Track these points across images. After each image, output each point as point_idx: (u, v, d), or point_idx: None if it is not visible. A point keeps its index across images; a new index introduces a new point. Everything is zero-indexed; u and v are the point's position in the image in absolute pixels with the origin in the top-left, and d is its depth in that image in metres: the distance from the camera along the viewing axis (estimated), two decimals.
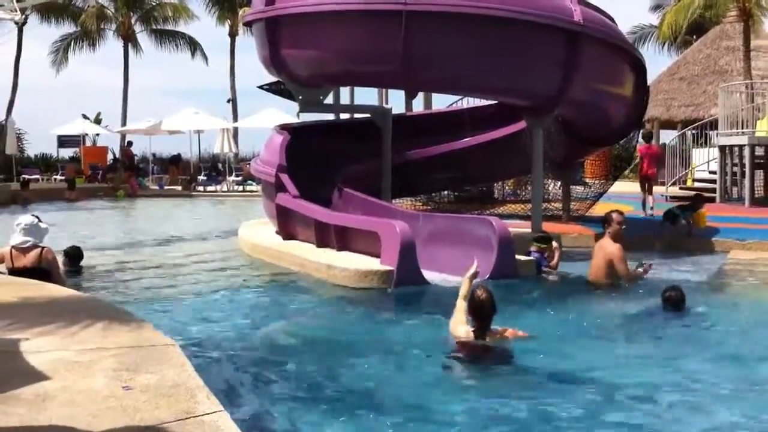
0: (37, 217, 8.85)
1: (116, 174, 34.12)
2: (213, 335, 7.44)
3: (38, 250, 8.45)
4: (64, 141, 42.37)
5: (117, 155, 41.64)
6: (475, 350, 6.50)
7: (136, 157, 40.45)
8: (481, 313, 6.49)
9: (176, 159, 40.88)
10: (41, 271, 8.30)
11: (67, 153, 43.42)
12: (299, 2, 12.11)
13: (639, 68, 14.59)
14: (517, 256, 10.35)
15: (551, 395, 5.64)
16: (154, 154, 44.08)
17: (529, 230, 13.27)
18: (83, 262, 11.44)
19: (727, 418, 5.21)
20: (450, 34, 11.61)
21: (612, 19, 13.78)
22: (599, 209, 16.85)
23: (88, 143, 43.17)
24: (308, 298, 9.60)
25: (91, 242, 14.64)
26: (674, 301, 8.24)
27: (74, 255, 11.27)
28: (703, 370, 6.33)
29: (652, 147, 19.62)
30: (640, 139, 17.82)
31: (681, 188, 23.51)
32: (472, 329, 6.54)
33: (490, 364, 6.39)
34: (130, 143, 39.32)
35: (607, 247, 9.67)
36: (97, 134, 44.20)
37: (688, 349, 7.12)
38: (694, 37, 39.00)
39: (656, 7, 46.96)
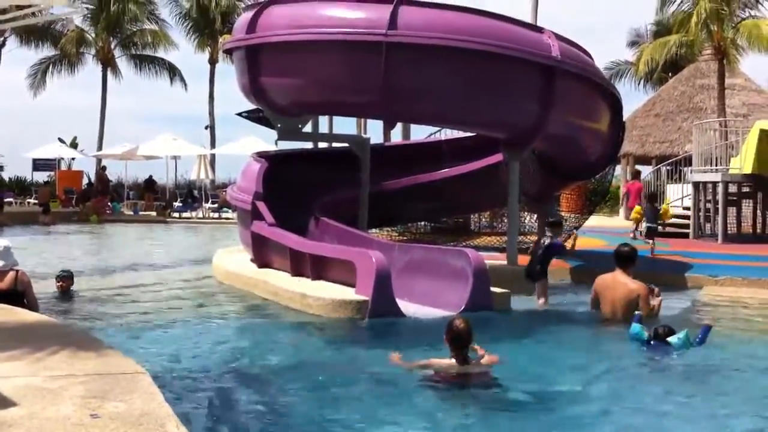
0: None
1: (85, 203, 33.67)
2: (184, 364, 7.35)
3: (13, 273, 8.50)
4: (39, 164, 42.11)
5: (92, 180, 41.39)
6: (452, 377, 6.63)
7: (111, 183, 40.25)
8: (459, 342, 6.65)
9: (150, 183, 40.69)
10: (16, 293, 8.36)
11: (41, 176, 43.14)
12: (280, 31, 12.16)
13: (615, 104, 14.74)
14: (493, 289, 10.33)
15: (529, 420, 5.71)
16: (130, 182, 43.88)
17: (505, 263, 13.30)
18: (74, 287, 11.54)
19: None
20: (429, 67, 11.69)
21: (589, 55, 13.94)
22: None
23: (64, 167, 42.92)
24: (281, 328, 9.52)
25: (64, 267, 14.47)
26: (663, 336, 8.20)
27: (68, 278, 11.47)
28: (671, 400, 6.39)
29: (636, 183, 22.13)
30: (628, 176, 18.80)
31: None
32: (453, 358, 6.68)
33: (468, 390, 6.50)
34: (104, 168, 39.11)
35: (630, 284, 9.43)
36: (73, 158, 43.97)
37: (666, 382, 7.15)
38: (670, 74, 39.65)
39: (632, 44, 47.75)
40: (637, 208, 20.18)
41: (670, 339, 8.01)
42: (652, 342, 8.08)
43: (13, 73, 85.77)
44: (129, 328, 9.19)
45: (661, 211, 18.83)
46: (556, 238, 12.03)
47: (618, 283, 9.45)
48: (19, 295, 8.40)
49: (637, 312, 8.74)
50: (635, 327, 8.30)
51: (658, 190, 24.10)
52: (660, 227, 18.94)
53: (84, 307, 10.73)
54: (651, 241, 16.66)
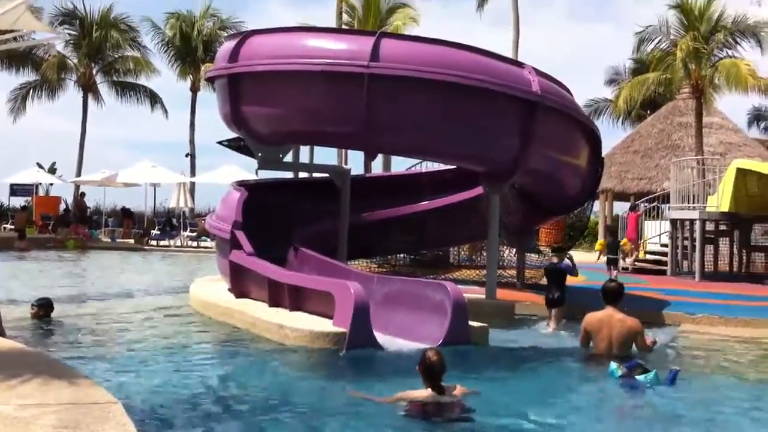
0: None
1: (61, 229, 33.33)
2: (157, 394, 7.25)
3: None
4: (16, 189, 41.74)
5: (69, 206, 41.10)
6: (428, 408, 6.65)
7: (89, 209, 39.97)
8: (432, 373, 6.75)
9: (127, 212, 40.48)
10: None
11: (18, 201, 42.80)
12: (262, 60, 12.19)
13: (594, 140, 14.87)
14: (471, 322, 10.31)
15: None
16: (108, 209, 43.62)
17: (484, 296, 13.29)
18: (54, 314, 11.49)
19: None
20: (411, 99, 11.76)
21: (569, 91, 14.07)
22: None
23: (42, 193, 42.60)
24: (257, 359, 9.42)
25: (38, 294, 14.32)
26: (634, 374, 8.21)
27: (45, 306, 11.41)
28: None
29: (637, 213, 23.96)
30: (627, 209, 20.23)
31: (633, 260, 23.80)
32: (430, 388, 6.74)
33: (443, 421, 6.53)
34: (83, 194, 38.83)
35: (627, 321, 9.41)
36: (51, 184, 43.67)
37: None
38: (648, 111, 40.07)
39: (611, 82, 48.29)
40: (601, 240, 21.52)
41: (638, 377, 8.04)
42: (622, 378, 8.10)
43: None
44: (103, 357, 9.07)
45: (621, 244, 20.86)
46: (560, 262, 13.16)
47: (614, 320, 9.41)
48: None
49: (636, 360, 8.64)
50: (612, 365, 8.32)
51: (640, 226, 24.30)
52: (622, 260, 20.93)
53: (57, 335, 10.59)
54: (613, 272, 17.97)
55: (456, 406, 6.78)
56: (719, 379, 9.31)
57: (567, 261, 13.29)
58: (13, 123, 45.19)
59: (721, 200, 20.34)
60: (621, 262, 19.74)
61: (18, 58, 43.16)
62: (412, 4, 37.00)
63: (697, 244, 20.38)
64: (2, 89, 78.80)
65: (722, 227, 22.19)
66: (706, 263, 20.92)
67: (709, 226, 21.38)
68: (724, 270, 22.25)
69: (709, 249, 21.84)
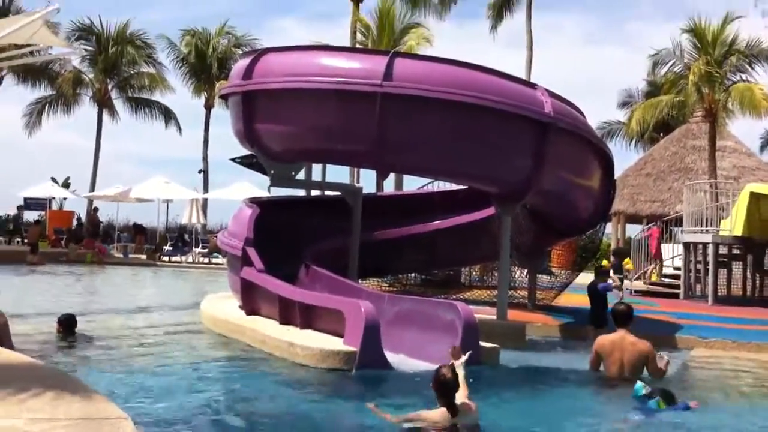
0: None
1: (71, 245, 33.28)
2: (167, 410, 7.24)
3: None
4: (30, 203, 41.95)
5: (82, 220, 41.27)
6: (442, 429, 6.58)
7: (102, 224, 40.12)
8: (445, 390, 6.71)
9: (140, 228, 40.59)
10: None
11: (31, 215, 42.97)
12: (276, 78, 12.24)
13: (606, 161, 14.83)
14: (482, 343, 10.27)
15: None
16: (121, 224, 43.77)
17: (495, 317, 13.24)
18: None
19: None
20: (423, 118, 11.76)
21: (581, 113, 14.05)
22: (564, 300, 16.96)
23: (55, 207, 42.79)
24: (267, 377, 9.40)
25: (48, 308, 14.38)
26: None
27: (68, 323, 11.34)
28: None
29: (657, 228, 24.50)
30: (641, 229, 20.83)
31: (646, 283, 23.74)
32: (444, 408, 6.66)
33: None
34: (96, 209, 39.00)
35: (639, 345, 9.35)
36: (64, 198, 43.90)
37: None
38: (661, 134, 39.97)
39: (624, 104, 48.23)
40: (605, 262, 21.89)
41: (650, 402, 7.98)
42: (644, 397, 8.04)
43: (8, 111, 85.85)
44: (114, 372, 9.08)
45: (624, 263, 21.23)
46: (601, 283, 13.97)
47: (626, 343, 9.35)
48: None
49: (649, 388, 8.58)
50: (638, 383, 8.26)
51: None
52: (626, 279, 21.19)
53: (68, 349, 10.62)
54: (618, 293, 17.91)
55: (470, 429, 6.72)
56: (733, 404, 9.23)
57: (610, 281, 14.55)
58: (28, 137, 45.60)
59: (734, 224, 20.27)
60: (627, 282, 19.61)
61: (34, 73, 43.52)
62: (426, 24, 37.23)
63: (710, 267, 20.28)
64: (18, 103, 79.32)
65: (735, 251, 22.08)
66: (719, 287, 20.81)
67: (722, 250, 21.29)
68: (737, 294, 22.12)
69: (722, 273, 21.73)
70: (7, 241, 36.70)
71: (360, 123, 11.75)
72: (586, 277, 19.63)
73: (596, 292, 13.81)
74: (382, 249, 15.41)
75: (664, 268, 24.25)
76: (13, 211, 43.56)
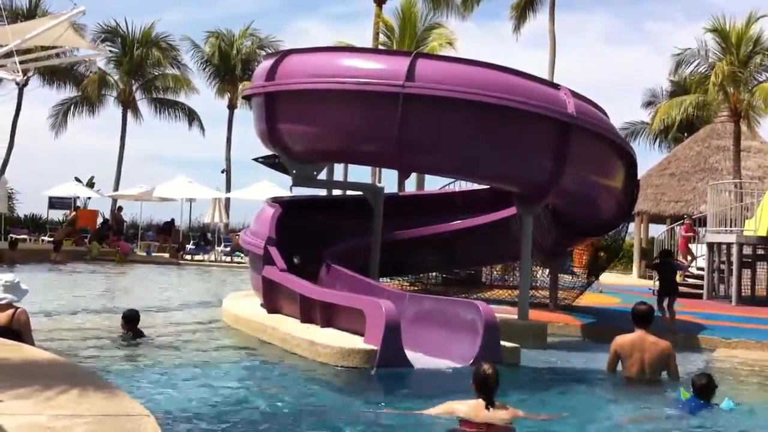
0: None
1: (94, 243, 33.36)
2: (188, 408, 7.30)
3: (12, 310, 8.09)
4: (55, 202, 42.27)
5: (107, 219, 41.55)
6: (480, 428, 6.49)
7: (125, 223, 40.36)
8: (485, 387, 6.63)
9: (168, 225, 40.77)
10: (11, 332, 7.93)
11: (57, 215, 43.34)
12: (299, 79, 12.30)
13: (630, 161, 14.76)
14: (503, 342, 10.26)
15: None
16: (144, 223, 44.03)
17: (516, 317, 13.22)
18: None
19: None
20: (445, 119, 11.78)
21: (604, 113, 14.00)
22: (586, 300, 16.89)
23: (79, 206, 43.09)
24: (288, 375, 9.46)
25: (71, 306, 14.53)
26: (708, 389, 8.05)
27: (131, 318, 11.36)
28: None
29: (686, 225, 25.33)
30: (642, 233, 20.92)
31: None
32: (481, 400, 6.60)
33: None
34: (120, 208, 39.23)
35: (660, 343, 9.29)
36: (89, 197, 44.23)
37: None
38: (685, 134, 39.68)
39: (648, 104, 47.93)
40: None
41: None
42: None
43: (34, 111, 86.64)
44: (136, 370, 9.16)
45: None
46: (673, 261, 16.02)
47: (647, 343, 9.26)
48: (13, 333, 7.91)
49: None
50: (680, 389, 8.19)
51: (672, 249, 24.09)
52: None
53: (92, 347, 10.71)
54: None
55: (503, 430, 6.59)
56: (758, 404, 9.16)
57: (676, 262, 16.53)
58: (54, 138, 46.00)
59: (758, 224, 20.09)
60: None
61: (60, 74, 43.92)
62: (448, 25, 37.16)
63: (734, 268, 20.12)
64: (44, 105, 79.96)
65: (759, 251, 21.88)
66: (742, 287, 20.63)
67: (747, 250, 21.10)
68: (761, 294, 21.90)
69: (746, 273, 21.53)
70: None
71: (382, 123, 11.78)
72: (611, 278, 19.57)
73: (671, 267, 15.69)
74: (403, 248, 15.42)
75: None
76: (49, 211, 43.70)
